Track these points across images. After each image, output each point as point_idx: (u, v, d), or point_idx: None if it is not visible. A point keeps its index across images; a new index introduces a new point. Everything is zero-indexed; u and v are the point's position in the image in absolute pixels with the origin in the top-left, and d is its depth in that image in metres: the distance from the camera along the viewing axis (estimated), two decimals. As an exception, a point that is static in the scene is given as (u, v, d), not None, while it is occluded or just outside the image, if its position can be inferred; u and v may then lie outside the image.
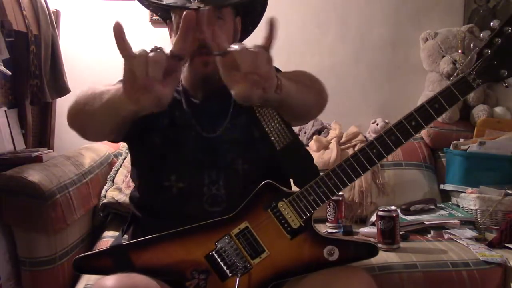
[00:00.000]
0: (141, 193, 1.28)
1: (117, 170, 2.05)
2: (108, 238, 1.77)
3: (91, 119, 1.10)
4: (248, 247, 1.11)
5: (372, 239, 1.75)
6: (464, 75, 1.05)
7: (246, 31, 1.34)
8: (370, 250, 1.13)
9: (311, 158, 1.27)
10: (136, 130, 1.18)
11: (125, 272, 1.05)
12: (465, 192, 2.02)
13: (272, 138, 1.20)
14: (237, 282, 1.09)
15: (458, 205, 2.06)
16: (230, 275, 1.10)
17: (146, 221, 1.24)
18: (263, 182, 1.13)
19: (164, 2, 1.19)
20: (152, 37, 2.44)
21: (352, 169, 1.09)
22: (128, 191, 1.74)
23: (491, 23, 1.07)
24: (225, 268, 1.11)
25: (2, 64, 1.69)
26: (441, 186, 2.21)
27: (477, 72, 1.05)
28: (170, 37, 1.27)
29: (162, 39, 2.47)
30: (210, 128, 1.23)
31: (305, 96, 1.15)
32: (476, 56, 1.06)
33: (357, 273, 1.08)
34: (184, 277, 1.09)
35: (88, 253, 1.15)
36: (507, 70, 1.04)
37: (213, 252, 1.11)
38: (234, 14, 1.25)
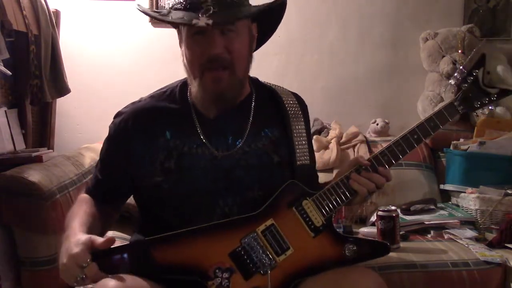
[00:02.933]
0: (145, 218, 1.27)
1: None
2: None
3: None
4: (274, 243, 1.11)
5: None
6: (452, 102, 1.27)
7: (262, 38, 1.28)
8: (384, 248, 1.20)
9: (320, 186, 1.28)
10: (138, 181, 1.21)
11: (145, 270, 1.04)
12: (465, 192, 2.02)
13: (297, 151, 1.23)
14: (269, 277, 1.07)
15: (458, 205, 2.06)
16: (255, 272, 1.09)
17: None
18: (288, 182, 1.16)
19: (169, 18, 1.12)
20: (152, 37, 2.44)
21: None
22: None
23: (460, 67, 1.36)
24: (250, 265, 1.09)
25: (2, 64, 1.69)
26: (441, 186, 2.21)
27: (459, 101, 1.27)
28: (180, 47, 1.19)
29: (162, 39, 2.49)
30: (223, 146, 1.19)
31: None
32: (456, 88, 1.31)
33: (368, 274, 1.09)
34: (206, 276, 1.07)
35: (106, 248, 1.08)
36: (479, 102, 1.28)
37: (239, 249, 1.09)
38: (250, 21, 1.19)
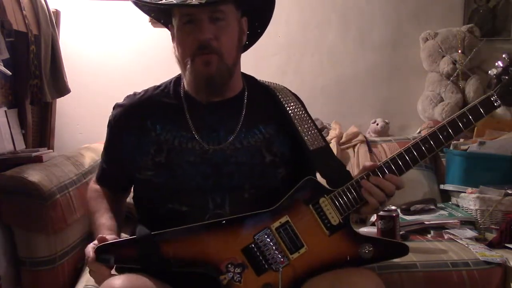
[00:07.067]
0: (140, 214, 1.28)
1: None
2: (108, 238, 1.76)
3: None
4: (288, 241, 1.11)
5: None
6: (488, 96, 1.17)
7: (255, 34, 1.29)
8: (401, 250, 1.16)
9: (343, 164, 1.27)
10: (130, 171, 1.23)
11: (154, 265, 1.05)
12: (465, 192, 2.02)
13: (306, 138, 1.21)
14: (280, 275, 1.07)
15: (458, 205, 2.06)
16: (267, 269, 1.09)
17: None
18: (305, 178, 1.14)
19: (163, 1, 1.14)
20: (152, 37, 2.44)
21: (390, 171, 1.16)
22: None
23: (503, 55, 1.20)
24: (263, 262, 1.09)
25: (2, 64, 1.68)
26: (441, 186, 2.21)
27: (498, 94, 1.16)
28: (173, 42, 1.22)
29: (162, 39, 2.49)
30: (214, 141, 1.19)
31: None
32: (495, 81, 1.21)
33: (367, 274, 1.08)
34: (218, 271, 1.07)
35: (113, 241, 1.08)
36: None
37: (252, 245, 1.09)
38: (239, 14, 1.20)
